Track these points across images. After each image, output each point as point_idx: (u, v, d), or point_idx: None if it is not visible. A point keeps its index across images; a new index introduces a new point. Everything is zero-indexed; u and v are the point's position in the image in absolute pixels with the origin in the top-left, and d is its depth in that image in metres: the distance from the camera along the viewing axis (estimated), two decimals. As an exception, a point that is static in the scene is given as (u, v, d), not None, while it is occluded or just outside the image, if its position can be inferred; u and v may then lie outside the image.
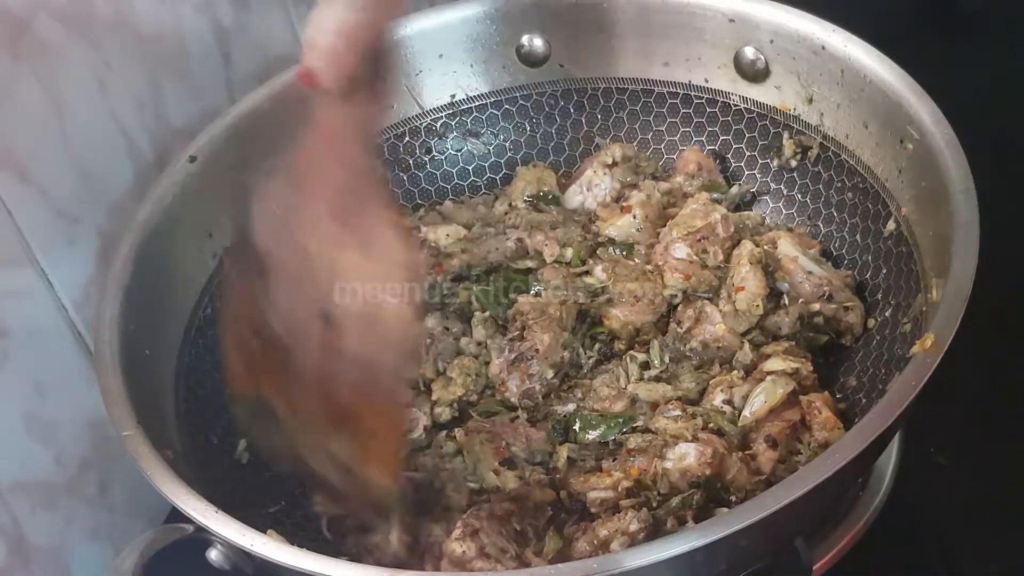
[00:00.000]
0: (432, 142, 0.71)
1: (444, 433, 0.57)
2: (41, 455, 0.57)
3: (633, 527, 0.49)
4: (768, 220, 0.66)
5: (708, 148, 0.69)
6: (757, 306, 0.57)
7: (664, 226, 0.62)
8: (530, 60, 0.69)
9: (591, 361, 0.59)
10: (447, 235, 0.65)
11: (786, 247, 0.60)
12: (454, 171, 0.72)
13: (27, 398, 0.56)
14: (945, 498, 0.59)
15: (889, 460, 0.57)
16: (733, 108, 0.67)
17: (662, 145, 0.70)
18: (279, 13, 0.71)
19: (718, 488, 0.51)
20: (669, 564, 0.41)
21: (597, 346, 0.60)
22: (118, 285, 0.55)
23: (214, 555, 0.46)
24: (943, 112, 0.54)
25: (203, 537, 0.46)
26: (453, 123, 0.71)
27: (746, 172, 0.68)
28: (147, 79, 0.63)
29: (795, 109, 0.64)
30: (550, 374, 0.57)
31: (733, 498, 0.51)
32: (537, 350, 0.57)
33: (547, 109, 0.71)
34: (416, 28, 0.68)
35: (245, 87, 0.68)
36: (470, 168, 0.72)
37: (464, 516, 0.50)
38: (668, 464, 0.52)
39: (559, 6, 0.68)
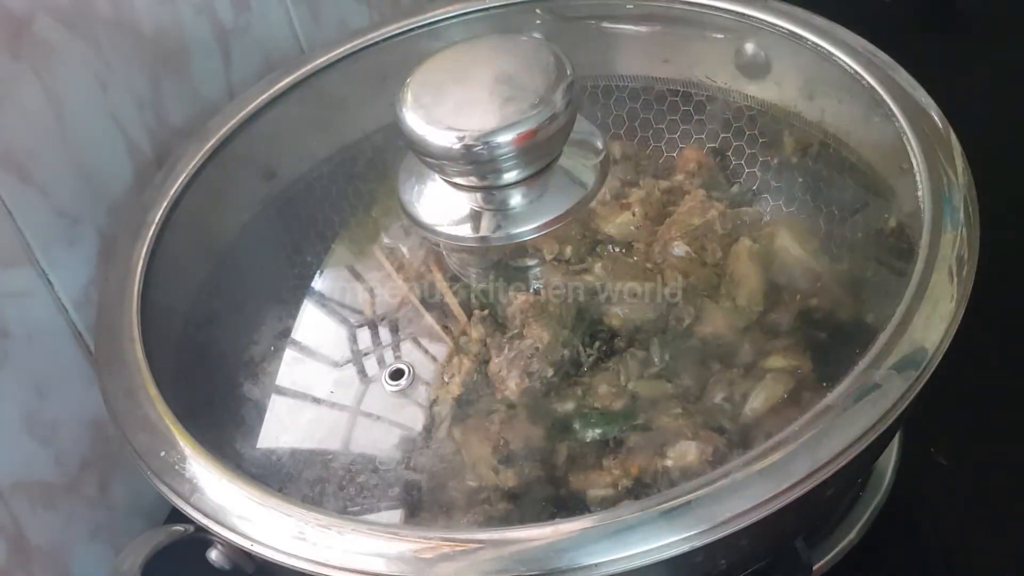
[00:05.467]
0: (432, 140, 0.71)
1: (443, 432, 0.57)
2: (41, 455, 0.57)
3: None
4: (768, 217, 0.66)
5: (708, 146, 0.69)
6: (757, 302, 0.57)
7: (664, 224, 0.62)
8: (529, 59, 0.69)
9: (591, 359, 0.59)
10: (446, 232, 0.65)
11: (784, 242, 0.60)
12: (454, 170, 0.71)
13: (27, 398, 0.56)
14: (945, 498, 0.59)
15: (889, 460, 0.57)
16: (733, 105, 0.67)
17: (662, 143, 0.70)
18: (279, 13, 0.72)
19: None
20: (669, 564, 0.41)
21: (597, 344, 0.60)
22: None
23: (214, 555, 0.46)
24: (943, 112, 0.54)
25: (203, 537, 0.46)
26: (453, 121, 0.71)
27: (747, 170, 0.68)
28: (147, 79, 0.63)
29: (796, 106, 0.64)
30: (550, 372, 0.57)
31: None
32: (537, 348, 0.57)
33: (546, 107, 0.71)
34: (414, 28, 0.68)
35: (245, 87, 0.68)
36: (470, 167, 0.71)
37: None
38: (669, 462, 0.52)
39: (558, 4, 0.68)
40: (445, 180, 0.55)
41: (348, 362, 0.61)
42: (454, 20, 0.69)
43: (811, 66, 0.62)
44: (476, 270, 0.63)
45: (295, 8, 0.73)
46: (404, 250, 0.64)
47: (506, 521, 0.51)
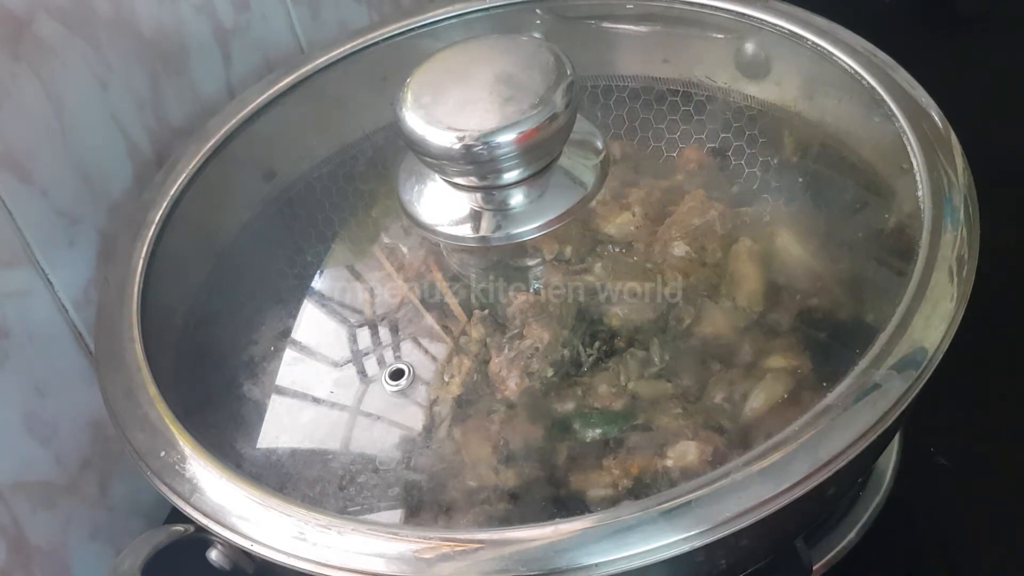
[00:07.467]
0: (432, 140, 0.71)
1: (443, 432, 0.57)
2: (41, 455, 0.57)
3: None
4: (768, 217, 0.66)
5: (708, 145, 0.69)
6: (757, 302, 0.57)
7: (663, 224, 0.62)
8: (528, 59, 0.69)
9: (591, 359, 0.59)
10: (446, 232, 0.65)
11: (784, 242, 0.60)
12: (454, 170, 0.71)
13: (27, 398, 0.56)
14: (945, 498, 0.59)
15: (889, 460, 0.57)
16: (733, 105, 0.67)
17: (662, 143, 0.70)
18: (279, 13, 0.72)
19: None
20: (669, 564, 0.41)
21: (597, 344, 0.60)
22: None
23: (214, 555, 0.46)
24: (943, 112, 0.54)
25: (203, 537, 0.46)
26: (453, 121, 0.71)
27: (747, 170, 0.68)
28: (147, 79, 0.63)
29: (796, 106, 0.64)
30: (550, 372, 0.57)
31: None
32: (537, 348, 0.57)
33: (546, 107, 0.71)
34: (414, 28, 0.68)
35: (245, 87, 0.68)
36: (470, 167, 0.71)
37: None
38: (669, 462, 0.52)
39: (558, 4, 0.68)
40: (445, 180, 0.55)
41: (348, 362, 0.60)
42: (454, 20, 0.69)
43: (811, 66, 0.62)
44: (476, 270, 0.63)
45: (295, 8, 0.73)
46: (404, 250, 0.64)
47: (506, 521, 0.51)
